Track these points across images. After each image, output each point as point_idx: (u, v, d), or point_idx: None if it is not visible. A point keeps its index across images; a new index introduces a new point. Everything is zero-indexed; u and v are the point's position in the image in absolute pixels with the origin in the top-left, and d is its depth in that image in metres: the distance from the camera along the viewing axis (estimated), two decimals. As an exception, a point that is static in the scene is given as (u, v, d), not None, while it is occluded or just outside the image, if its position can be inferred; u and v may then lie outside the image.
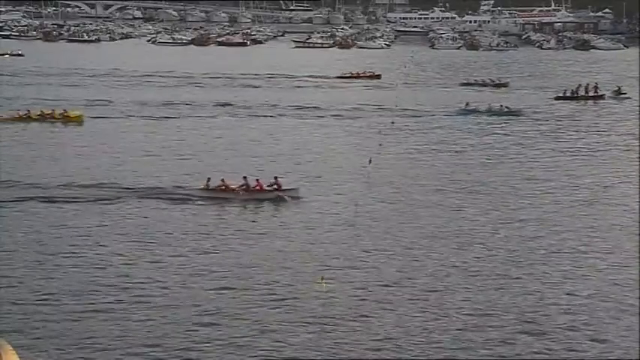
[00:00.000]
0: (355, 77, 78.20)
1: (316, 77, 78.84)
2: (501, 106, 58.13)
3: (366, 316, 22.84)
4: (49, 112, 51.21)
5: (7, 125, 49.63)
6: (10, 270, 26.07)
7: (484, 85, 73.32)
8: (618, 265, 27.48)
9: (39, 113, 51.11)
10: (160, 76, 77.14)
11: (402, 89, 67.69)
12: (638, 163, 41.63)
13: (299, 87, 73.04)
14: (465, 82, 75.13)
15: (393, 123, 52.38)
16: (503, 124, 54.46)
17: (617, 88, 68.36)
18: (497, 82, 74.70)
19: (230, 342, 21.20)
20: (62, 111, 51.47)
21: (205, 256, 27.78)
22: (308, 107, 60.06)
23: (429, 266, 27.11)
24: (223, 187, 34.69)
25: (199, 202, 34.00)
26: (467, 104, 58.11)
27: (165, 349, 20.84)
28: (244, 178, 35.09)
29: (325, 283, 23.88)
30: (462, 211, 33.71)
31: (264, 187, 34.73)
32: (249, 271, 26.30)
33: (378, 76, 79.05)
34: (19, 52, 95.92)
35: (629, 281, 25.76)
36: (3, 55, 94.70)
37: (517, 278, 26.10)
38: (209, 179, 35.09)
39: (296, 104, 60.94)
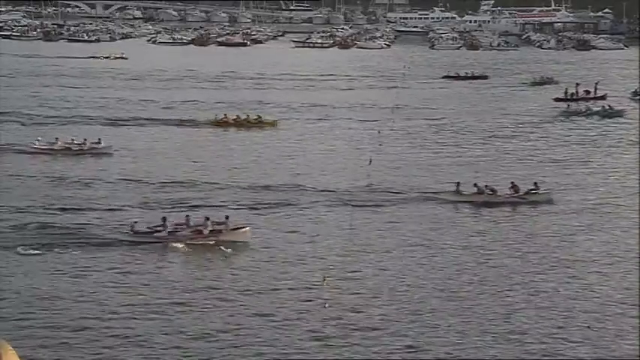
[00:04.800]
0: (462, 78, 79.35)
1: (420, 77, 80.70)
2: (603, 107, 58.31)
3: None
4: (245, 117, 52.00)
5: (211, 130, 50.61)
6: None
7: (542, 83, 74.56)
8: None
9: (234, 118, 51.90)
10: (278, 79, 77.73)
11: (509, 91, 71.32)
12: (638, 164, 41.55)
13: (436, 89, 73.38)
14: (538, 81, 76.06)
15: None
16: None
17: (635, 89, 68.01)
18: (548, 79, 76.15)
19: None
20: (256, 116, 52.22)
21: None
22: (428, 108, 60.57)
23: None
24: (490, 192, 34.77)
25: (459, 207, 34.21)
26: (568, 106, 59.18)
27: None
28: (512, 183, 35.19)
29: (327, 282, 23.87)
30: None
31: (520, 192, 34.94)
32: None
33: (486, 77, 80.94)
34: (123, 55, 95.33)
35: None
36: (108, 57, 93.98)
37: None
38: (459, 184, 35.14)
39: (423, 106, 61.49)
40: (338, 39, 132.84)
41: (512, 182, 35.30)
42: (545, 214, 33.60)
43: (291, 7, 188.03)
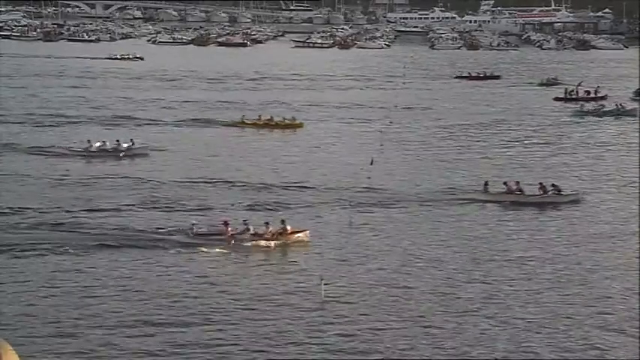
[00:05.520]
0: (475, 78, 79.44)
1: (426, 77, 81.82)
2: (616, 106, 58.46)
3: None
4: (280, 118, 52.12)
5: (240, 130, 50.44)
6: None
7: (549, 84, 74.58)
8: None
9: (268, 119, 52.01)
10: (296, 79, 77.96)
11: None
12: (638, 165, 41.54)
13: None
14: (544, 82, 76.13)
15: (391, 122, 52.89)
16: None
17: (637, 89, 68.03)
18: (553, 79, 76.40)
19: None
20: (291, 118, 52.32)
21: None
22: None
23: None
24: (518, 192, 34.60)
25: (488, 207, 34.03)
26: (582, 105, 59.34)
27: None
28: (541, 183, 35.03)
29: (324, 285, 23.81)
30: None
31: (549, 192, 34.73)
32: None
33: (498, 77, 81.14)
34: (139, 56, 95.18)
35: None
36: (126, 59, 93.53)
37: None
38: (487, 183, 35.03)
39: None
40: (338, 39, 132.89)
41: (540, 182, 35.12)
42: (573, 214, 33.38)
43: (291, 7, 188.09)
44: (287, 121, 51.78)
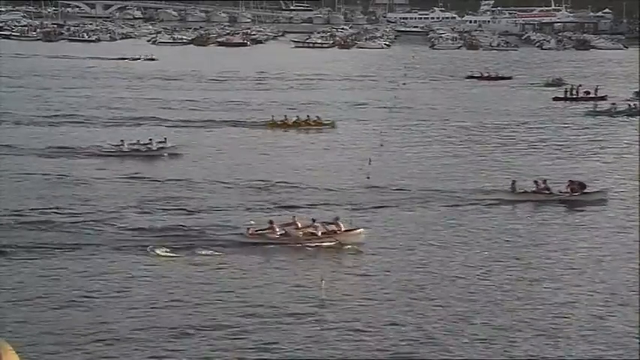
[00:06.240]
0: (486, 79, 79.27)
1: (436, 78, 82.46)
2: (628, 105, 58.57)
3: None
4: (305, 118, 52.01)
5: (270, 131, 50.49)
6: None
7: (555, 84, 74.38)
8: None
9: (295, 119, 52.02)
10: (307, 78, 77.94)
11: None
12: (638, 165, 41.51)
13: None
14: (550, 82, 75.92)
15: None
16: None
17: (638, 89, 68.10)
18: (557, 80, 76.16)
19: None
20: (316, 118, 52.09)
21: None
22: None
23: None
24: (546, 190, 34.52)
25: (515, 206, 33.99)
26: (595, 105, 59.48)
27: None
28: (570, 181, 34.99)
29: (324, 285, 23.79)
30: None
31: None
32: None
33: (509, 78, 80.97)
34: (153, 57, 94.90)
35: None
36: (137, 59, 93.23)
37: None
38: (514, 182, 34.95)
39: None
40: (338, 39, 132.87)
41: (569, 180, 35.15)
42: (601, 213, 33.42)
43: (291, 7, 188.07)
44: (316, 121, 51.74)
